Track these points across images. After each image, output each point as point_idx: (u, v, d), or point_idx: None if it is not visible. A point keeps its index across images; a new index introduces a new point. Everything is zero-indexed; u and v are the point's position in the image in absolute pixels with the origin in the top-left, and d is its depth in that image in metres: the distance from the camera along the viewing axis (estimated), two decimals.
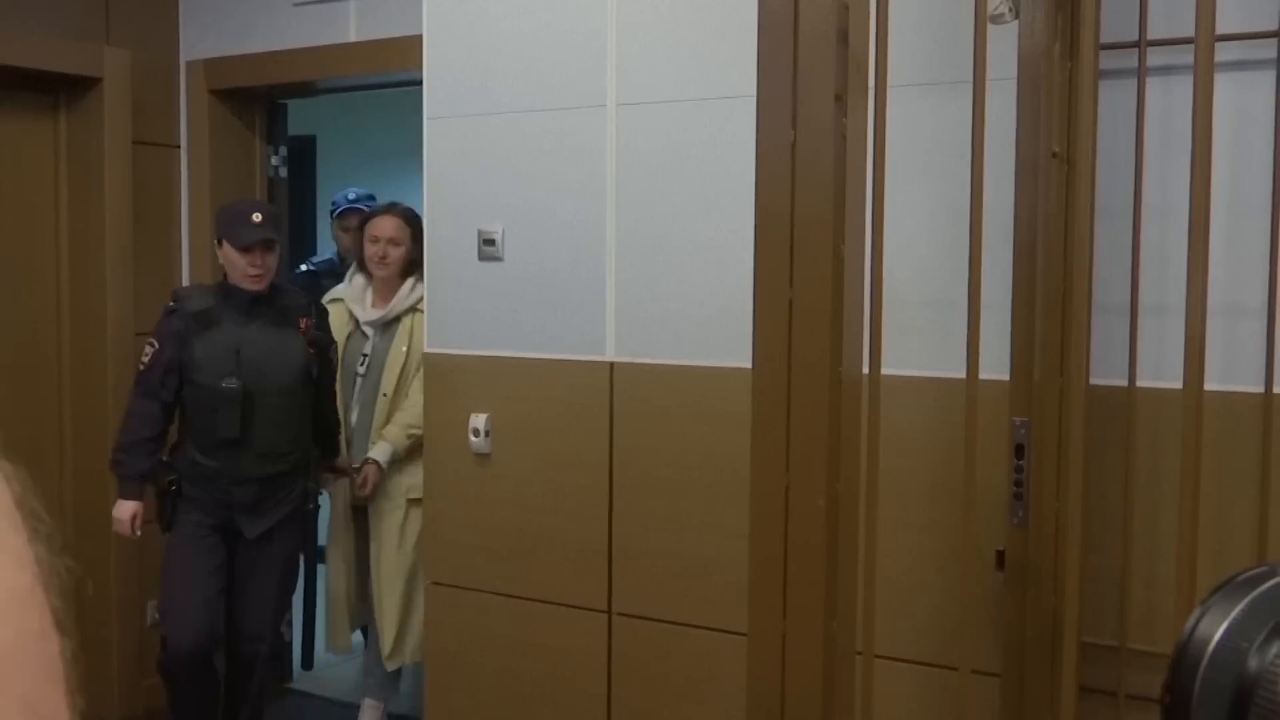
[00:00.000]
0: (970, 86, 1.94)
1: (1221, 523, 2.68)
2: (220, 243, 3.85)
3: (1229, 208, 2.64)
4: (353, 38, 4.18)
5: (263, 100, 4.68)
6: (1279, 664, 0.75)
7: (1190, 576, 1.89)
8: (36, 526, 0.55)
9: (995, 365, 2.50)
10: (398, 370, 4.19)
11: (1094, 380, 2.66)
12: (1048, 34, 2.48)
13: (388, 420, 4.17)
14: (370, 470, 4.12)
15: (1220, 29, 2.05)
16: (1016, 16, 2.46)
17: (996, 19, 2.37)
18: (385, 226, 4.21)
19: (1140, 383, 2.75)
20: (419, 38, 3.55)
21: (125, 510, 3.83)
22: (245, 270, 3.78)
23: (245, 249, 3.77)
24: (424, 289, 3.66)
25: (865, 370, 1.95)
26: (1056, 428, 2.53)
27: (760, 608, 1.85)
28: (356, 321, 4.29)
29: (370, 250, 4.20)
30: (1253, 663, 0.76)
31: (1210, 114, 1.87)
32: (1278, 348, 2.62)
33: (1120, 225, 2.74)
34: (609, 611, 3.33)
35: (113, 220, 4.37)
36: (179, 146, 4.62)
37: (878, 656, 2.07)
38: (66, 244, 4.44)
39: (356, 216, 4.71)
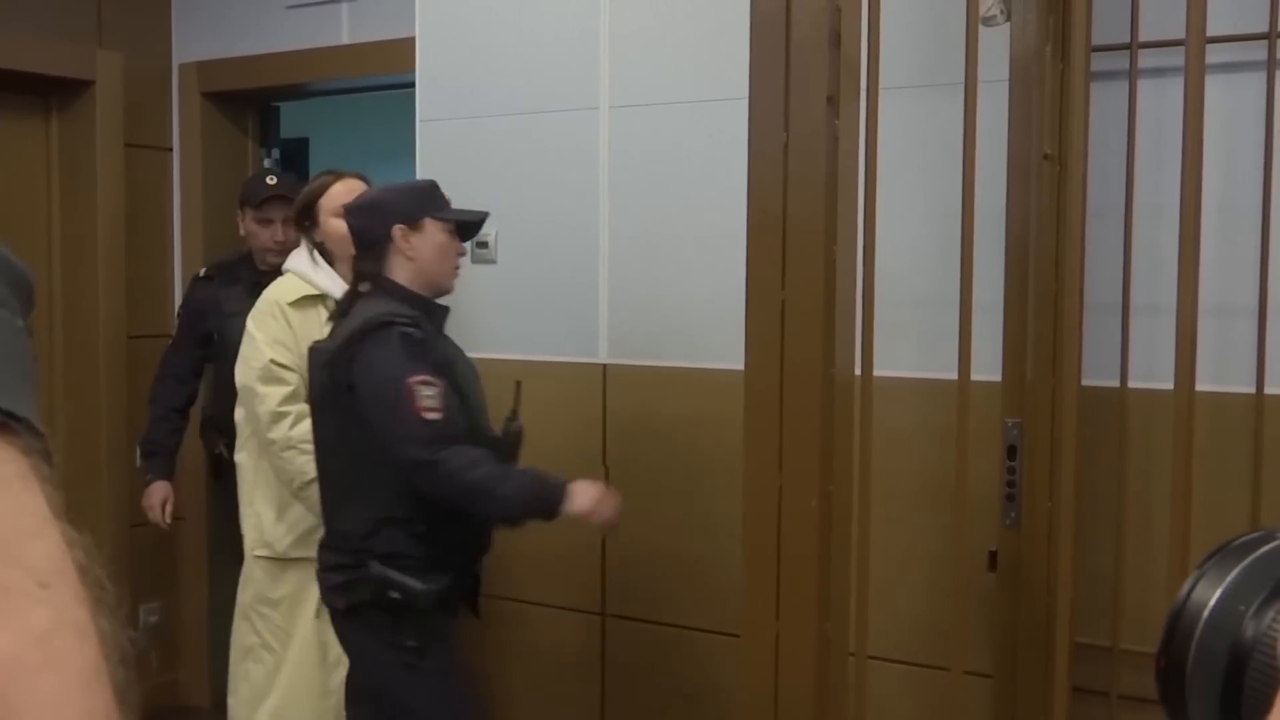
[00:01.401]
0: (962, 88, 1.94)
1: (1213, 523, 2.68)
2: (242, 210, 3.88)
3: (1220, 209, 2.64)
4: (345, 40, 4.18)
5: (255, 103, 4.67)
6: (1276, 628, 0.75)
7: (1182, 577, 1.89)
8: (100, 596, 0.54)
9: (988, 366, 2.51)
10: None
11: (1086, 381, 2.66)
12: (1039, 36, 2.49)
13: None
14: None
15: (1210, 31, 2.05)
16: (1008, 19, 2.46)
17: (988, 21, 2.38)
18: (356, 190, 3.32)
19: (1132, 383, 2.76)
20: (412, 40, 3.55)
21: None
22: (265, 243, 3.79)
23: (258, 206, 3.78)
24: None
25: (857, 371, 1.95)
26: (1049, 429, 2.54)
27: (754, 608, 1.85)
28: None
29: (339, 227, 3.22)
30: (1249, 627, 0.76)
31: (1201, 115, 1.87)
32: (1269, 348, 2.63)
33: (1112, 226, 2.75)
34: (602, 614, 3.33)
35: (105, 223, 4.36)
36: (171, 149, 4.61)
37: (871, 657, 2.07)
38: (59, 247, 4.43)
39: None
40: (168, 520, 3.91)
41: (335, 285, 3.25)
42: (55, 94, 4.37)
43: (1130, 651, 2.75)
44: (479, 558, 2.90)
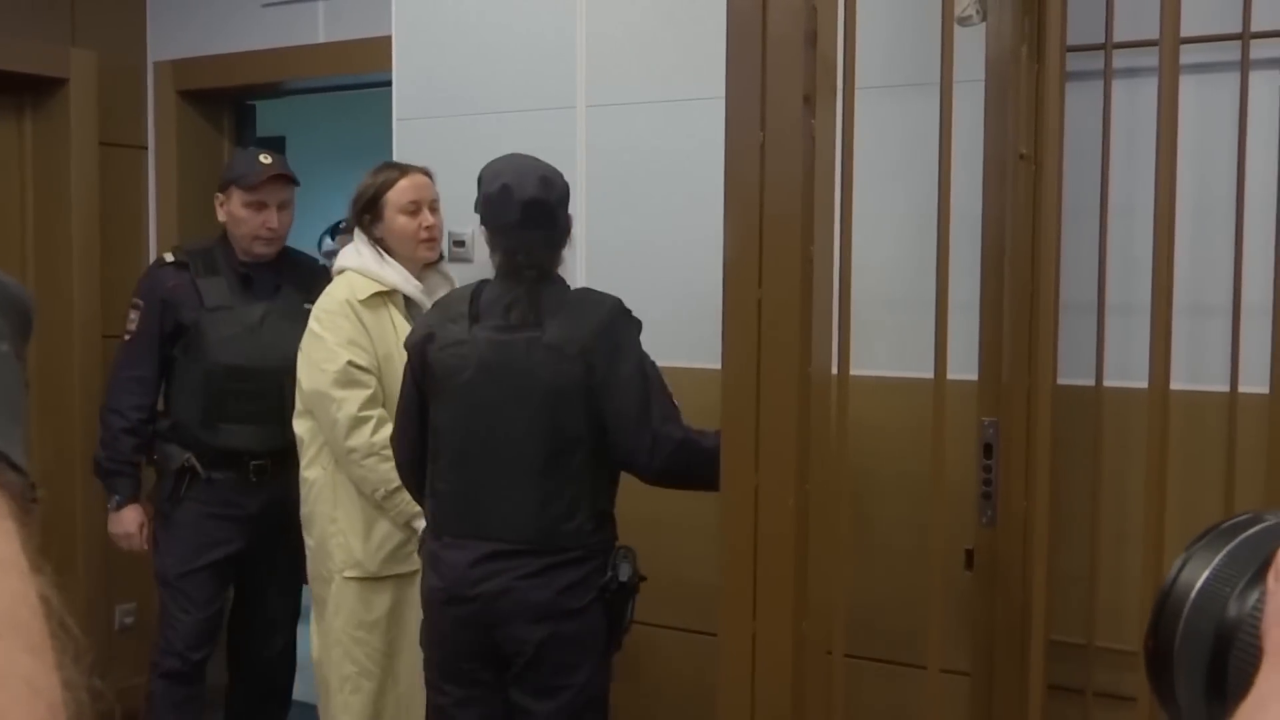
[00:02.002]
0: (938, 88, 1.95)
1: (1187, 521, 2.69)
2: (226, 192, 3.56)
3: (1194, 208, 2.66)
4: (321, 38, 4.17)
5: (231, 101, 4.65)
6: (1259, 610, 0.75)
7: (1156, 575, 1.90)
8: (64, 644, 0.51)
9: (964, 365, 2.52)
10: None
11: (1061, 380, 2.68)
12: (1015, 36, 2.50)
13: None
14: None
15: (1185, 32, 2.06)
16: (984, 19, 2.47)
17: (964, 21, 2.38)
18: (421, 185, 3.22)
19: (1107, 382, 2.77)
20: (388, 39, 3.54)
21: None
22: (254, 230, 3.52)
23: (251, 189, 3.47)
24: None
25: (834, 370, 1.96)
26: (1025, 427, 2.55)
27: (731, 608, 1.85)
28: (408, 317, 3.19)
29: (407, 225, 3.16)
30: (1233, 608, 0.77)
31: (1175, 115, 1.88)
32: (1243, 347, 2.65)
33: (1087, 226, 2.76)
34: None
35: (79, 222, 4.33)
36: (146, 148, 4.59)
37: (848, 656, 2.07)
38: (32, 246, 4.40)
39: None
40: (147, 545, 3.60)
41: (406, 281, 3.13)
42: (28, 92, 4.34)
43: (1105, 649, 2.77)
44: None
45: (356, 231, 3.18)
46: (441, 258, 3.31)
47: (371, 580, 3.11)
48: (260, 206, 3.52)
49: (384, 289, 3.10)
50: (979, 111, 2.54)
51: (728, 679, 1.85)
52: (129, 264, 4.52)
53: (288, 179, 3.56)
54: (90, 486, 4.32)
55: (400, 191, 3.14)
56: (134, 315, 3.58)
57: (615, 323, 2.64)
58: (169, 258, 3.63)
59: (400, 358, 2.91)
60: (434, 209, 3.20)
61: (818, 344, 1.84)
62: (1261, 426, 2.45)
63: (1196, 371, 2.67)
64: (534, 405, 2.61)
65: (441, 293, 3.08)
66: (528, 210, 2.65)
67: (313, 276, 3.60)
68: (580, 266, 3.27)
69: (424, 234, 3.16)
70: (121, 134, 4.50)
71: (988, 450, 2.61)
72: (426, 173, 3.22)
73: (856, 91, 1.92)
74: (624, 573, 2.66)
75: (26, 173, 4.39)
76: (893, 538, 2.91)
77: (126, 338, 3.60)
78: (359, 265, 3.12)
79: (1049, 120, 2.22)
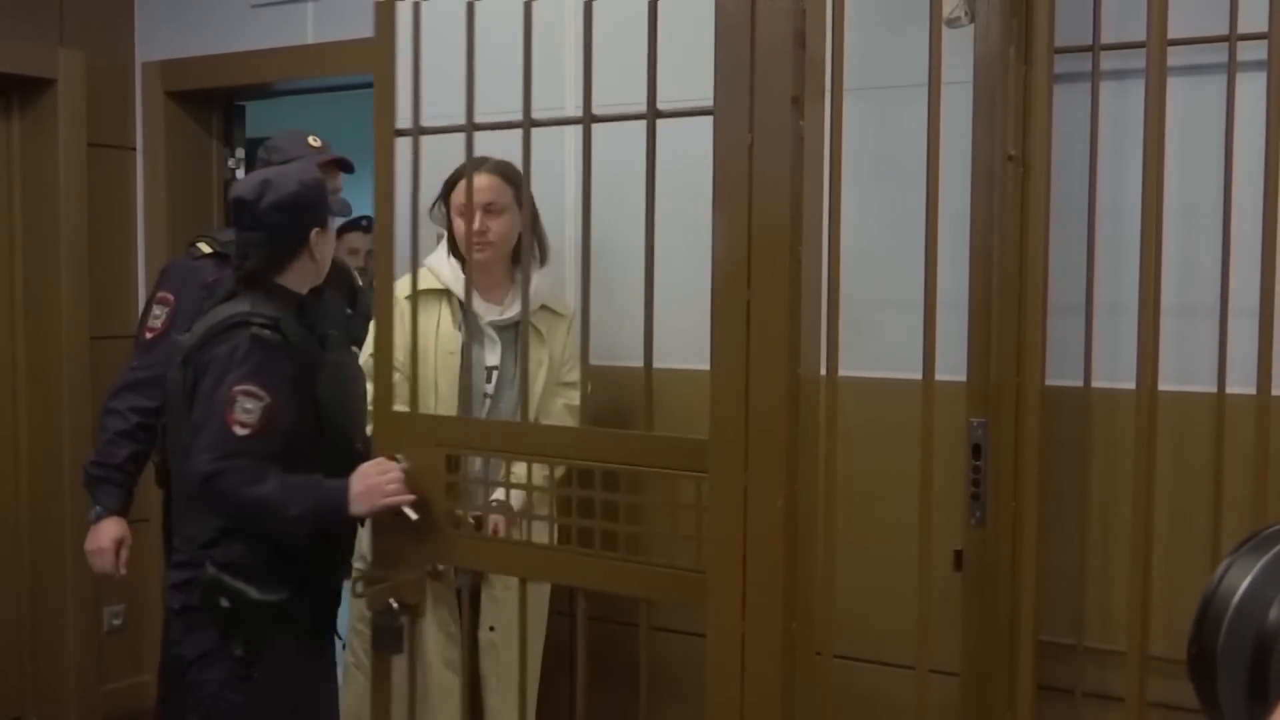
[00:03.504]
0: (926, 89, 1.95)
1: (1176, 521, 2.71)
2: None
3: (1181, 210, 2.67)
4: (310, 39, 4.16)
5: (220, 102, 4.64)
6: None
7: (1145, 574, 1.91)
8: None
9: (952, 366, 2.52)
10: (539, 390, 3.08)
11: (1050, 381, 2.68)
12: (1003, 38, 2.50)
13: None
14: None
15: (1172, 33, 2.07)
16: (972, 20, 2.47)
17: (952, 23, 2.39)
18: (482, 187, 2.98)
19: (1095, 383, 2.78)
20: None
21: None
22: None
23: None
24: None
25: (823, 371, 1.96)
26: (1013, 428, 2.55)
27: (720, 608, 1.85)
28: (458, 320, 3.02)
29: (460, 226, 2.99)
30: (1275, 613, 0.78)
31: (1162, 117, 1.89)
32: (1230, 348, 2.66)
33: (1075, 227, 2.77)
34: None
35: (67, 224, 4.31)
36: (135, 149, 4.57)
37: (837, 657, 2.07)
38: (20, 247, 4.38)
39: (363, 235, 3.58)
40: (123, 569, 3.13)
41: (458, 282, 2.94)
42: (16, 93, 4.32)
43: (1094, 649, 2.77)
44: (336, 575, 2.75)
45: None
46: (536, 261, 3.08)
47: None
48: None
49: (439, 287, 3.01)
50: (967, 113, 2.54)
51: (717, 680, 1.85)
52: (117, 266, 4.51)
53: (342, 164, 3.29)
54: (78, 488, 4.31)
55: (459, 191, 2.96)
56: (161, 310, 3.17)
57: (216, 338, 2.58)
58: (205, 249, 3.23)
59: (432, 356, 2.92)
60: (493, 212, 3.00)
61: (806, 344, 1.84)
62: (1249, 427, 2.46)
63: (1184, 372, 2.68)
64: (176, 410, 2.69)
65: (519, 295, 2.89)
66: (234, 208, 2.68)
67: (343, 275, 3.40)
68: (569, 270, 3.27)
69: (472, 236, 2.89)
70: (110, 135, 4.49)
71: (976, 451, 2.62)
72: (504, 173, 3.00)
73: (845, 93, 1.92)
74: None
75: (14, 174, 4.37)
76: (881, 538, 2.91)
77: (149, 335, 3.16)
78: (429, 260, 3.02)
79: (1037, 121, 2.23)
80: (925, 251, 1.98)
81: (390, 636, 2.36)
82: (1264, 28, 2.25)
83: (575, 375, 3.10)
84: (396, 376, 2.78)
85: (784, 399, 1.79)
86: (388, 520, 2.35)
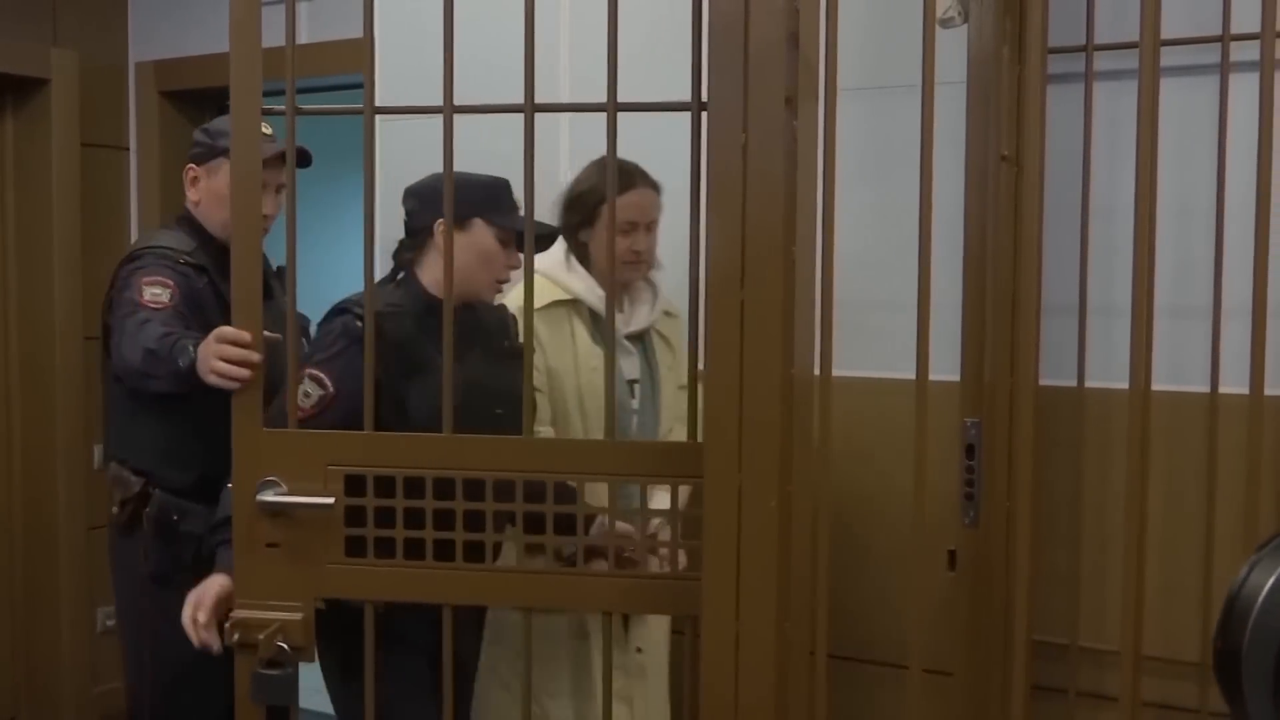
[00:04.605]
0: (920, 90, 1.95)
1: (1169, 521, 2.71)
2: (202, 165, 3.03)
3: (1175, 210, 2.67)
4: (304, 39, 4.15)
5: (213, 101, 4.62)
6: None
7: (1138, 574, 1.92)
8: None
9: (946, 366, 2.52)
10: (669, 400, 2.94)
11: (1044, 381, 2.69)
12: (996, 38, 2.50)
13: None
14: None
15: (1165, 34, 2.08)
16: (965, 20, 2.48)
17: (946, 23, 2.39)
18: (645, 204, 2.81)
19: (1089, 383, 2.78)
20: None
21: None
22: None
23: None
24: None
25: (817, 371, 1.96)
26: (1007, 428, 2.56)
27: (713, 609, 1.85)
28: (593, 334, 2.83)
29: (618, 243, 2.73)
30: None
31: (1156, 117, 1.89)
32: (1223, 348, 2.66)
33: (1068, 227, 2.77)
34: None
35: (61, 224, 4.31)
36: (128, 148, 4.57)
37: (831, 656, 2.07)
38: (14, 248, 4.38)
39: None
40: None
41: (590, 291, 2.78)
42: (9, 93, 4.32)
43: (1088, 648, 2.78)
44: None
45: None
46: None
47: None
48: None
49: (566, 298, 2.79)
50: (961, 113, 2.54)
51: (710, 680, 1.85)
52: (111, 265, 4.48)
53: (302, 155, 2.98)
54: (72, 489, 4.31)
55: (620, 209, 2.62)
56: (162, 291, 2.93)
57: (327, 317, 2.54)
58: (182, 260, 3.02)
59: (574, 374, 2.72)
60: (650, 228, 2.83)
61: (800, 344, 1.84)
62: (1242, 427, 2.46)
63: (1177, 372, 2.68)
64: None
65: (646, 303, 2.88)
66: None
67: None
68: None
69: (630, 256, 2.79)
70: (103, 134, 4.48)
71: (970, 451, 2.61)
72: (657, 188, 2.84)
73: (838, 93, 1.92)
74: None
75: (7, 173, 4.37)
76: (876, 538, 2.91)
77: (156, 307, 2.88)
78: (545, 267, 2.76)
79: (1030, 122, 2.23)
80: (919, 251, 1.98)
81: (278, 686, 2.01)
82: (1256, 28, 2.26)
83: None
84: (541, 399, 2.67)
85: (778, 399, 1.79)
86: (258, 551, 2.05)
